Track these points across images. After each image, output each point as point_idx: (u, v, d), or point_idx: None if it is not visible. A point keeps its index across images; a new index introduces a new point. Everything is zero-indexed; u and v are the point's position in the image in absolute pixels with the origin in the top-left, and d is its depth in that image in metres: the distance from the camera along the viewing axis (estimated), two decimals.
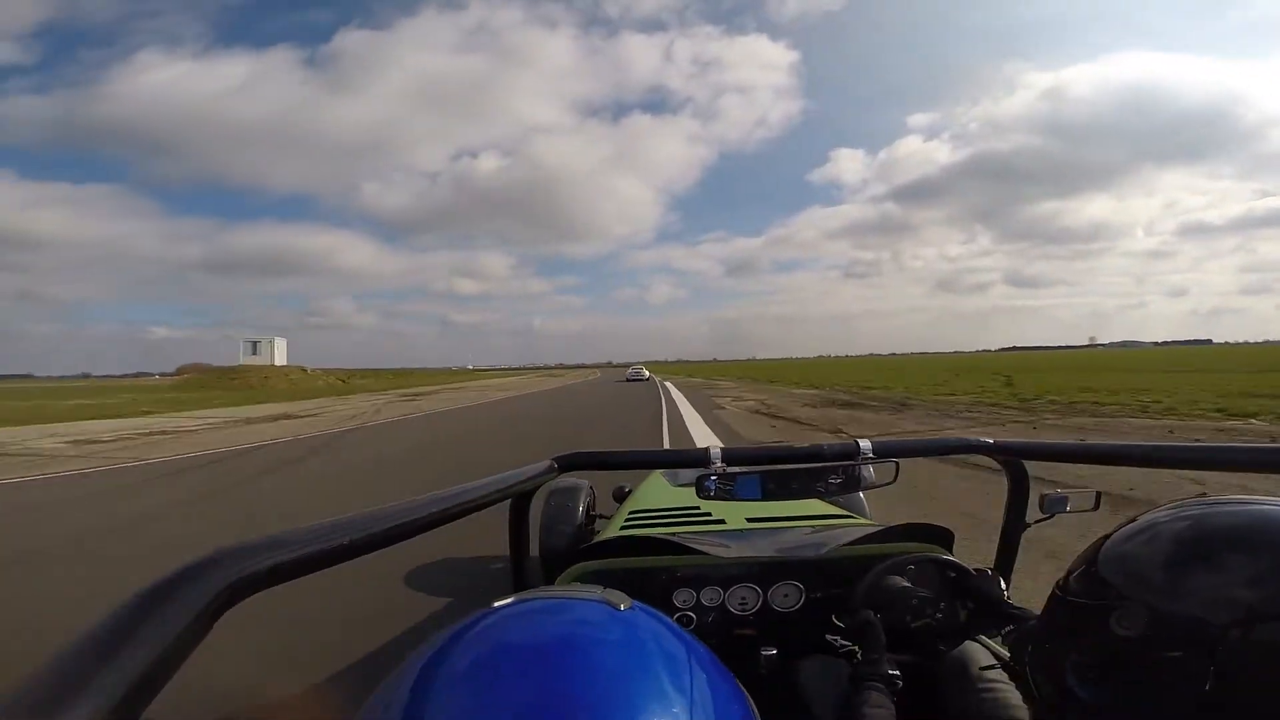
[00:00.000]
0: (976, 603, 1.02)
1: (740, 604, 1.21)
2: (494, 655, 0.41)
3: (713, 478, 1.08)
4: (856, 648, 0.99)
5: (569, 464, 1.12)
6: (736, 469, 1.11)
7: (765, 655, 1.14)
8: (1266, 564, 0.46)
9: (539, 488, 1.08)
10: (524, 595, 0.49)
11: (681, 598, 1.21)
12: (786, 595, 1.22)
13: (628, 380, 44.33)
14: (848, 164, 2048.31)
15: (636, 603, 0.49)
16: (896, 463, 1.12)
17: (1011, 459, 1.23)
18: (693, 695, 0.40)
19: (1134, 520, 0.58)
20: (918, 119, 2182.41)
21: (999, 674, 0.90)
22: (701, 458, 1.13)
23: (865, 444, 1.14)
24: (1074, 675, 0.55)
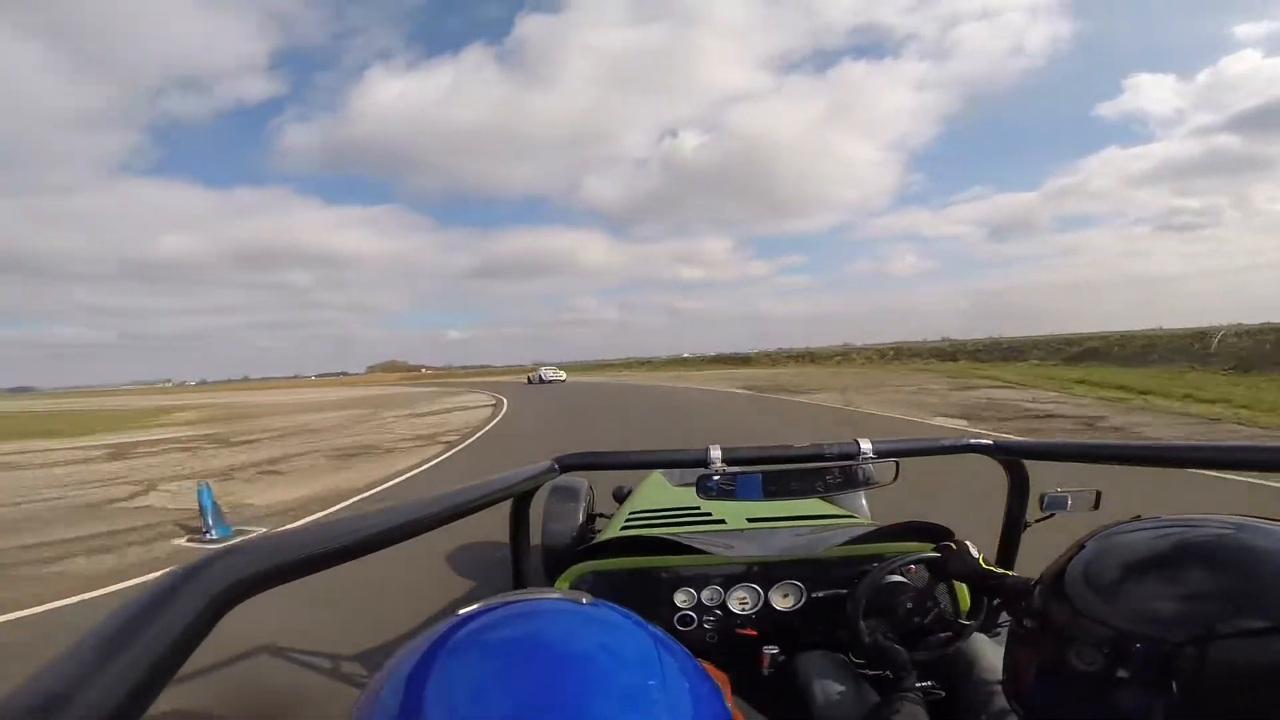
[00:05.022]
0: (963, 580, 1.04)
1: (741, 604, 1.25)
2: (467, 666, 0.42)
3: (713, 477, 1.08)
4: (886, 672, 1.03)
5: (569, 464, 1.14)
6: (736, 469, 1.11)
7: (766, 654, 1.18)
8: (1220, 582, 0.49)
9: (539, 488, 1.11)
10: (489, 602, 0.50)
11: (682, 598, 1.25)
12: (787, 595, 1.25)
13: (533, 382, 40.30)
14: (1152, 92, 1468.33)
15: (599, 599, 0.51)
16: (897, 462, 1.13)
17: (1011, 459, 1.26)
18: (665, 682, 0.43)
19: (1084, 542, 0.60)
20: (1248, 30, 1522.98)
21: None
22: (701, 458, 1.13)
23: (865, 444, 1.14)
24: (1039, 691, 0.58)
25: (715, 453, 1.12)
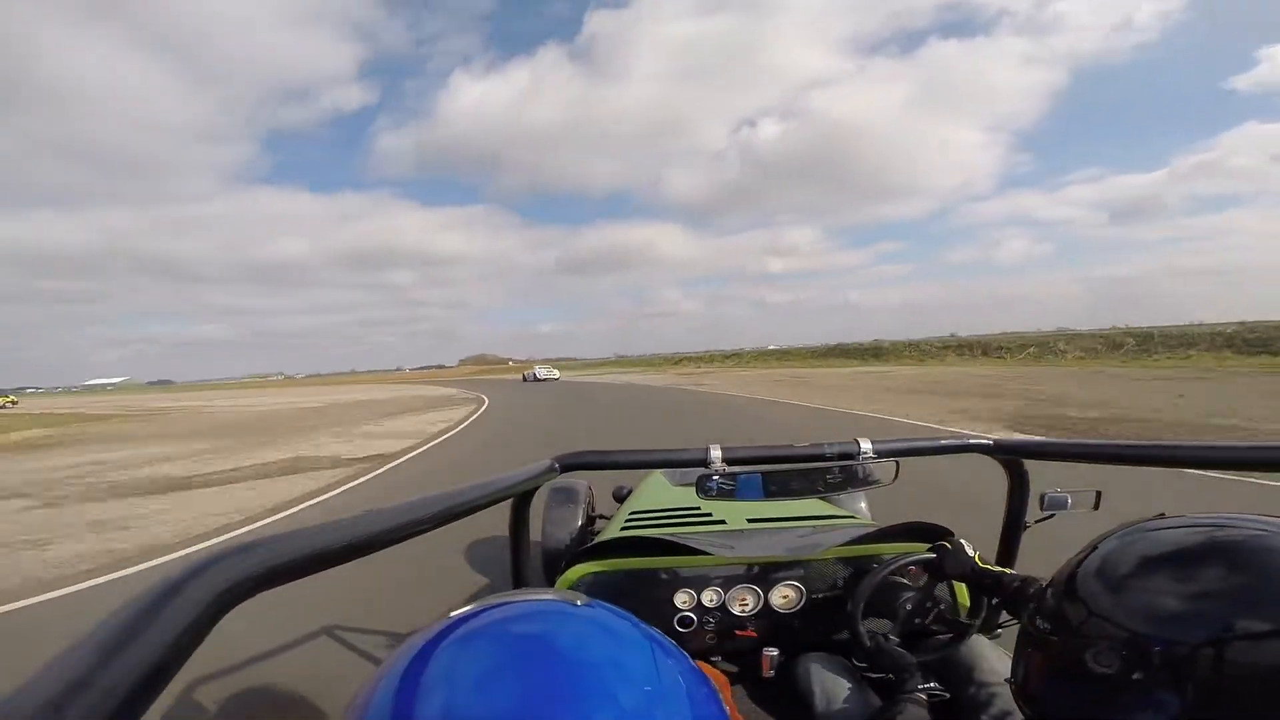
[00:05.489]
0: (960, 579, 1.05)
1: (741, 605, 1.24)
2: (460, 667, 0.43)
3: (714, 477, 1.08)
4: (890, 675, 1.01)
5: (569, 464, 1.13)
6: (737, 469, 1.11)
7: (767, 656, 1.18)
8: (1239, 583, 0.47)
9: (539, 488, 1.10)
10: (483, 602, 0.51)
11: (682, 599, 1.24)
12: (786, 596, 1.25)
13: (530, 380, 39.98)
14: None
15: (595, 600, 0.52)
16: (897, 462, 1.12)
17: (1011, 458, 1.25)
18: (661, 684, 0.44)
19: (1096, 545, 0.59)
20: None
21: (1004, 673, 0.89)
22: (702, 458, 1.13)
23: (865, 444, 1.14)
24: (1051, 692, 0.56)
25: (715, 452, 1.13)
